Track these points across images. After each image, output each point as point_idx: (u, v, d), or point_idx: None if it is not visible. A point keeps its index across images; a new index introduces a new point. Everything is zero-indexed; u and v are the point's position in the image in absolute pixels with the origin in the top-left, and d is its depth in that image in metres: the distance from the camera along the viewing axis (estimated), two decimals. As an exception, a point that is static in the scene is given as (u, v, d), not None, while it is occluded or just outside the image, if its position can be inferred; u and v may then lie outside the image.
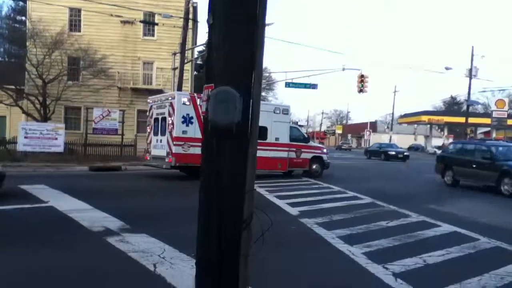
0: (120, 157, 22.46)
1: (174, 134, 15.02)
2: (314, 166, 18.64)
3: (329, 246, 6.78)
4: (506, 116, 46.54)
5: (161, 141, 16.09)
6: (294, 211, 9.68)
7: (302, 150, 18.32)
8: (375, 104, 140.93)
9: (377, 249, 6.60)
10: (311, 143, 19.79)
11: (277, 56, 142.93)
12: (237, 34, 2.80)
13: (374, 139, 65.88)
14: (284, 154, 17.50)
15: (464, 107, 56.34)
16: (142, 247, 6.13)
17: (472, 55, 45.20)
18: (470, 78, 45.40)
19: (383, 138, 65.12)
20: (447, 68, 43.15)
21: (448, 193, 14.72)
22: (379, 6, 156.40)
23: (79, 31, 27.65)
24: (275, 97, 62.22)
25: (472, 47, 45.84)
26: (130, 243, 6.34)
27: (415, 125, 76.09)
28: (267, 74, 52.81)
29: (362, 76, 31.17)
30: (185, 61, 24.02)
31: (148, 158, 17.05)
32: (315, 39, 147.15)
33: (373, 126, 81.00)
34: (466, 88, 46.39)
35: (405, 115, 77.91)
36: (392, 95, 68.11)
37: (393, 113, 72.98)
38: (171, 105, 15.37)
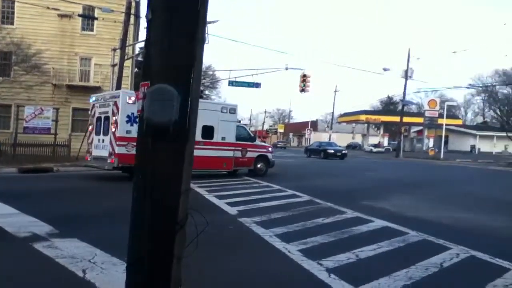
0: (53, 158, 21.35)
1: (118, 134, 14.57)
2: (259, 165, 18.78)
3: (266, 245, 6.83)
4: (437, 116, 49.27)
5: (103, 141, 15.53)
6: (233, 210, 9.68)
7: (248, 149, 18.41)
8: (317, 104, 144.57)
9: (313, 246, 6.73)
10: (257, 142, 19.94)
11: (222, 54, 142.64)
12: (176, 30, 2.73)
13: (315, 138, 67.48)
14: (230, 154, 17.51)
15: (400, 107, 59.00)
16: (72, 252, 5.85)
17: (409, 57, 47.51)
18: (406, 79, 47.68)
19: (324, 137, 66.87)
20: (385, 69, 45.07)
21: (382, 190, 15.32)
22: (322, 7, 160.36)
23: (12, 24, 26.08)
24: (219, 96, 62.13)
25: (409, 49, 48.25)
26: (59, 248, 6.03)
27: (354, 124, 78.87)
28: (211, 72, 52.57)
29: (304, 75, 31.77)
30: (126, 57, 23.30)
31: (89, 159, 16.36)
32: (260, 38, 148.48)
33: (314, 125, 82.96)
34: (402, 89, 48.57)
35: (345, 114, 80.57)
36: (333, 94, 70.14)
37: (333, 113, 75.20)
38: (115, 104, 14.86)
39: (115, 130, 14.71)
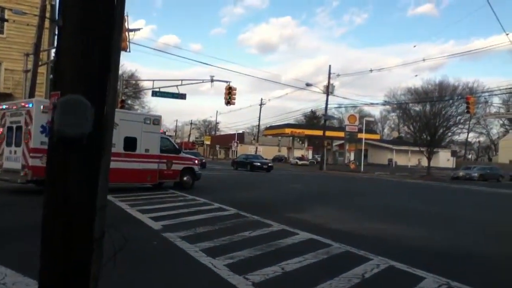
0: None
1: (31, 145, 13.44)
2: (185, 178, 18.35)
3: (192, 260, 6.62)
4: (357, 130, 51.75)
5: (15, 152, 14.23)
6: (156, 225, 9.32)
7: (173, 161, 17.86)
8: (244, 116, 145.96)
9: (239, 260, 6.64)
10: (182, 154, 19.48)
11: (145, 63, 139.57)
12: (90, 37, 2.54)
13: (242, 150, 67.95)
14: (154, 166, 16.87)
15: (323, 121, 61.21)
16: (-26, 274, 5.26)
17: (329, 73, 49.56)
18: (327, 95, 49.66)
19: (250, 149, 67.54)
20: (307, 84, 46.66)
21: (307, 202, 15.66)
22: (247, 21, 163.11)
23: None
24: (142, 106, 60.33)
25: (330, 66, 50.29)
26: (-41, 271, 5.39)
27: (279, 137, 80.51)
28: (134, 82, 51.07)
29: (230, 88, 31.94)
30: (40, 63, 21.94)
31: None
32: (186, 49, 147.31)
33: (241, 138, 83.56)
34: (324, 104, 50.42)
35: (270, 127, 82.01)
36: (259, 107, 71.18)
37: (259, 125, 76.27)
38: (28, 113, 13.69)
39: (28, 141, 13.56)
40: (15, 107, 14.77)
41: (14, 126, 14.44)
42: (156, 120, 17.43)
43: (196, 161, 19.80)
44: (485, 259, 7.65)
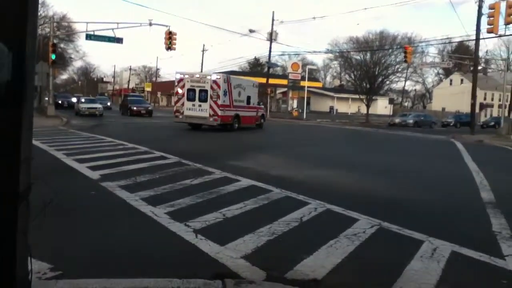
0: None
1: (220, 103, 22.94)
2: (262, 120, 29.54)
3: (131, 209, 6.55)
4: (299, 78, 52.08)
5: (200, 106, 23.34)
6: (94, 175, 9.06)
7: (259, 110, 29.06)
8: (185, 62, 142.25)
9: (180, 208, 6.65)
10: (260, 105, 30.58)
11: (78, 4, 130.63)
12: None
13: (185, 98, 66.51)
14: (257, 113, 28.35)
15: (266, 69, 60.99)
16: None
17: (273, 20, 48.84)
18: (271, 42, 49.22)
19: (193, 97, 66.29)
20: (251, 31, 46.05)
21: (250, 149, 15.82)
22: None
23: None
24: (76, 50, 56.59)
25: (273, 12, 49.71)
26: None
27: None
28: (66, 24, 47.75)
29: (170, 33, 30.72)
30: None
31: (180, 117, 23.90)
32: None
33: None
34: (268, 51, 50.05)
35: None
36: (201, 54, 69.49)
37: (201, 72, 74.69)
38: (215, 82, 23.02)
39: (216, 100, 22.96)
40: (198, 76, 24.31)
41: (197, 89, 23.42)
42: (256, 85, 28.91)
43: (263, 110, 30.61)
44: (410, 203, 8.16)
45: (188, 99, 23.59)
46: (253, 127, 27.43)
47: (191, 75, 24.28)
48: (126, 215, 6.34)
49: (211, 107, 23.01)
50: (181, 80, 23.88)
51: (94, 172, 9.34)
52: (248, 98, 26.52)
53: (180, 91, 23.95)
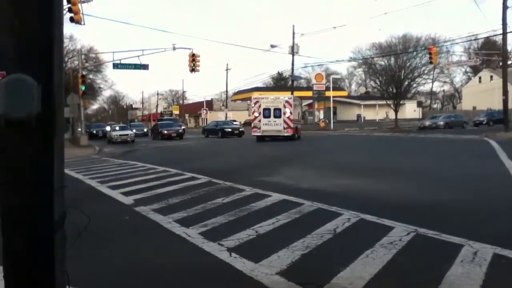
0: None
1: (292, 118, 29.34)
2: (299, 134, 32.53)
3: (165, 232, 6.62)
4: (324, 89, 51.96)
5: (275, 122, 29.05)
6: (128, 200, 9.23)
7: (297, 124, 33.47)
8: (210, 83, 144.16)
9: (213, 227, 6.67)
10: (298, 119, 36.50)
11: (103, 35, 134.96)
12: (28, 8, 2.38)
13: (212, 117, 67.42)
14: (299, 126, 33.53)
15: (290, 82, 61.13)
16: None
17: (293, 33, 49.12)
18: (293, 55, 49.44)
19: (220, 116, 67.08)
20: (272, 46, 46.24)
21: (279, 164, 15.80)
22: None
23: None
24: (105, 80, 58.38)
25: (293, 26, 49.76)
26: None
27: (248, 101, 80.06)
28: (94, 55, 49.37)
29: (193, 55, 31.30)
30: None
31: (258, 132, 29.57)
32: (144, 18, 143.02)
33: (210, 105, 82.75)
34: (290, 64, 50.24)
35: (238, 92, 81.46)
36: (225, 73, 70.36)
37: (226, 91, 75.64)
38: (287, 102, 29.53)
39: (289, 116, 29.12)
40: (272, 97, 30.93)
41: (272, 108, 29.30)
42: (299, 101, 35.92)
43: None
44: (445, 206, 7.93)
45: (264, 117, 29.21)
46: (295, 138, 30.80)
47: (266, 97, 31.27)
48: (161, 238, 6.41)
49: (284, 121, 28.90)
50: (257, 102, 30.17)
51: (127, 197, 9.52)
52: (298, 113, 34.00)
53: (257, 110, 29.63)
